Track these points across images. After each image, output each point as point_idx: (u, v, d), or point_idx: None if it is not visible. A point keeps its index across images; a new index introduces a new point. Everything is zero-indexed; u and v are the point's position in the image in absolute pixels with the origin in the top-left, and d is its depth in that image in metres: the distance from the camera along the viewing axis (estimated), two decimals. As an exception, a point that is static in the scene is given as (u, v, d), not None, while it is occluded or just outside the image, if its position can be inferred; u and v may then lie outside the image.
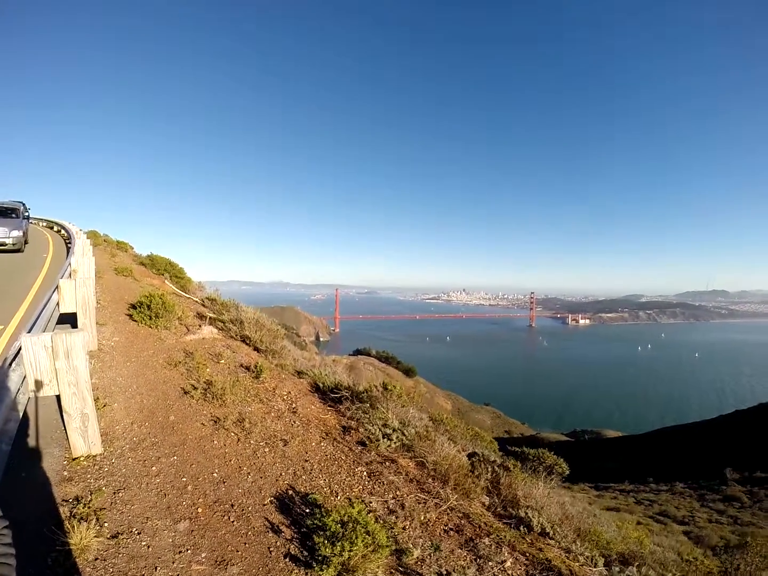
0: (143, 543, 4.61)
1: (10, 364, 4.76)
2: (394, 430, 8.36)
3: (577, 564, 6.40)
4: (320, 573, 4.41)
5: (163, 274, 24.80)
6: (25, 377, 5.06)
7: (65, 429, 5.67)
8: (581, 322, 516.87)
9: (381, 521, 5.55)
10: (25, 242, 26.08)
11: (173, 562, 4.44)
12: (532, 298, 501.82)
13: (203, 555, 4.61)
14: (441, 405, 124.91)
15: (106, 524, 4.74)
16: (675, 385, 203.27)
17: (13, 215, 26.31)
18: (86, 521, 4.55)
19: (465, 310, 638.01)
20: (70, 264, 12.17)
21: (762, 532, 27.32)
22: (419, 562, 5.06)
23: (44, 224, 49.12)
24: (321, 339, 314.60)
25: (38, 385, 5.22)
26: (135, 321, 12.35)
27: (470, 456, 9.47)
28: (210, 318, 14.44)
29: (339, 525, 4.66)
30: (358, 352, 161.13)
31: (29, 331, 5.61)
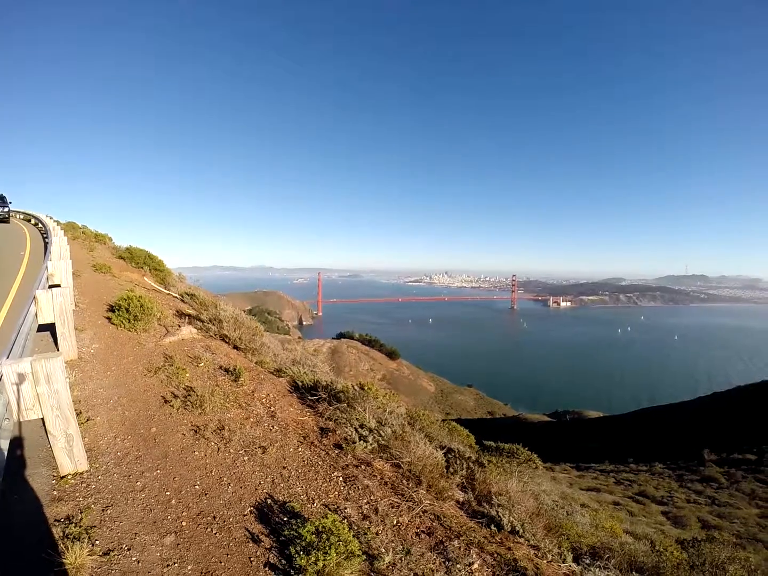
0: (133, 558, 4.83)
1: (-7, 393, 4.90)
2: (370, 431, 8.59)
3: (546, 561, 6.69)
4: (297, 581, 4.68)
5: (142, 268, 24.75)
6: (9, 403, 5.21)
7: (51, 448, 5.80)
8: (562, 304, 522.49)
9: (355, 527, 5.80)
10: None
11: (162, 576, 4.69)
12: (513, 280, 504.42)
13: (189, 567, 4.86)
14: (425, 387, 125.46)
15: (97, 542, 4.94)
16: (654, 366, 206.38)
17: None
18: (79, 540, 4.74)
19: (447, 293, 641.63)
20: (47, 268, 12.19)
21: (739, 513, 28.00)
22: (390, 567, 5.32)
23: (21, 216, 48.67)
24: (304, 323, 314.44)
25: (22, 410, 5.38)
26: (114, 324, 12.37)
27: (446, 453, 9.73)
28: (189, 316, 14.54)
29: (314, 535, 4.92)
30: (341, 336, 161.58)
31: (8, 356, 5.72)
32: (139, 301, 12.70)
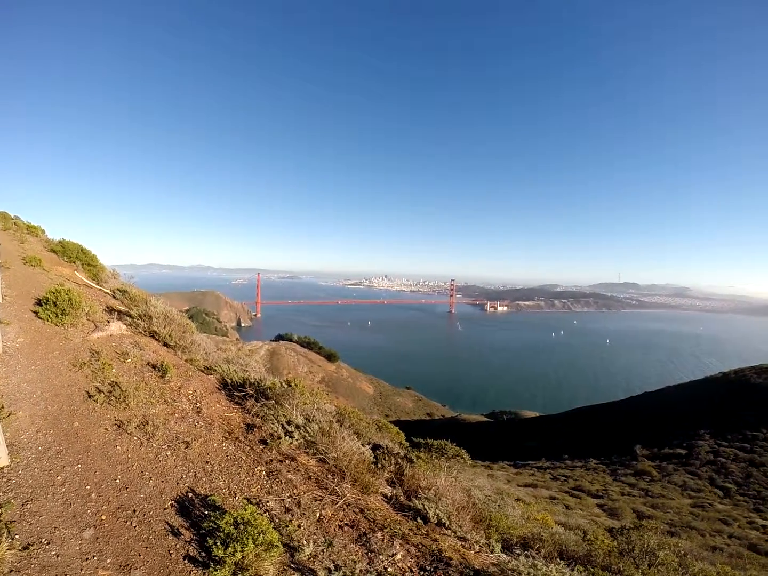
0: (53, 552, 4.86)
1: None
2: (297, 428, 8.70)
3: (473, 551, 6.89)
4: (216, 573, 4.75)
5: (74, 262, 24.14)
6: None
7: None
8: (499, 309, 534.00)
9: (277, 520, 5.91)
10: None
11: (81, 569, 4.73)
12: (452, 285, 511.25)
13: (108, 561, 4.90)
14: (364, 389, 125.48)
15: (17, 536, 4.94)
16: (587, 368, 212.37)
17: None
18: (-1, 535, 4.72)
19: (386, 296, 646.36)
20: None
21: (672, 503, 29.26)
22: (312, 559, 5.45)
23: (-53, 207, 46.84)
24: (242, 324, 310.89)
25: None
26: (41, 318, 12.10)
27: (375, 449, 9.90)
28: (119, 312, 14.31)
29: (232, 526, 5.00)
30: (280, 338, 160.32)
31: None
32: (67, 295, 12.44)
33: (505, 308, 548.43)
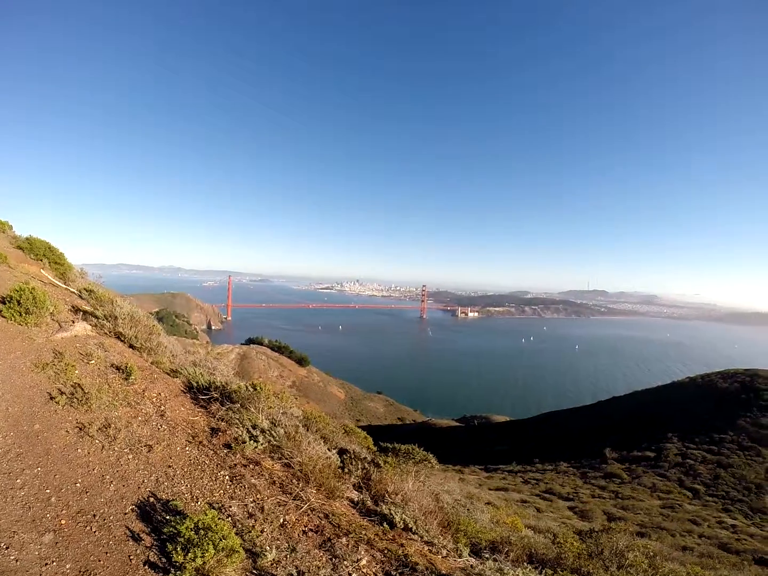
0: (12, 557, 4.78)
1: None
2: (262, 432, 8.63)
3: (440, 556, 6.89)
4: (176, 578, 4.70)
5: (41, 260, 23.75)
6: None
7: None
8: (470, 314, 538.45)
9: (239, 525, 5.87)
10: None
11: (40, 575, 4.66)
12: (423, 290, 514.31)
13: (68, 566, 4.84)
14: (335, 394, 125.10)
15: (-25, 541, 4.84)
16: (556, 374, 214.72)
17: None
18: (-43, 541, 4.65)
19: (358, 301, 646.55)
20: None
21: (642, 505, 29.73)
22: (274, 564, 5.42)
23: None
24: (213, 327, 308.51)
25: None
26: (4, 317, 11.90)
27: (342, 454, 9.87)
28: (85, 313, 14.11)
29: (193, 532, 4.96)
30: (250, 341, 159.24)
31: None
32: (31, 293, 12.23)
33: (476, 314, 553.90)
